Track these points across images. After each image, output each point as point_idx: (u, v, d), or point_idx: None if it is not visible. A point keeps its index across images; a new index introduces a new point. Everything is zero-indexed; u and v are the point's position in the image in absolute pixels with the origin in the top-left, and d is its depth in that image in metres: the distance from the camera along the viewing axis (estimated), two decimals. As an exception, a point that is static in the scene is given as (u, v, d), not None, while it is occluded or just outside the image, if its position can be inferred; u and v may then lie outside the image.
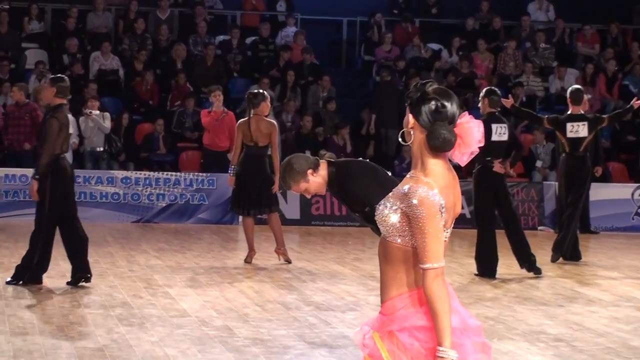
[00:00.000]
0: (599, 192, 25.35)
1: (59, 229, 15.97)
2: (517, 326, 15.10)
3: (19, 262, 16.19)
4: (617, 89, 30.43)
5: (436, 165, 6.72)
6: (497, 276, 18.45)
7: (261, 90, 20.49)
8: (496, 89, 20.23)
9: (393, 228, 6.80)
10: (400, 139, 6.78)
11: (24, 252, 16.19)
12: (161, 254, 20.42)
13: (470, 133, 6.83)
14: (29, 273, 15.88)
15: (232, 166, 19.37)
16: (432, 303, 6.76)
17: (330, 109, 28.33)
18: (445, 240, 6.77)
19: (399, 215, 6.77)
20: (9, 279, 15.99)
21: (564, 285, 18.33)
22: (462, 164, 6.96)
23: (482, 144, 6.73)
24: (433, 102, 6.76)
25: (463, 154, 6.78)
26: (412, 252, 6.64)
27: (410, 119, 6.80)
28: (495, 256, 18.60)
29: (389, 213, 6.76)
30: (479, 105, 19.33)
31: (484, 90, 19.60)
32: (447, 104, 6.71)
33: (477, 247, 18.75)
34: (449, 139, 6.66)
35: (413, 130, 6.66)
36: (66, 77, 16.44)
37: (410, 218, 6.72)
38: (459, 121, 6.78)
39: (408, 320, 6.89)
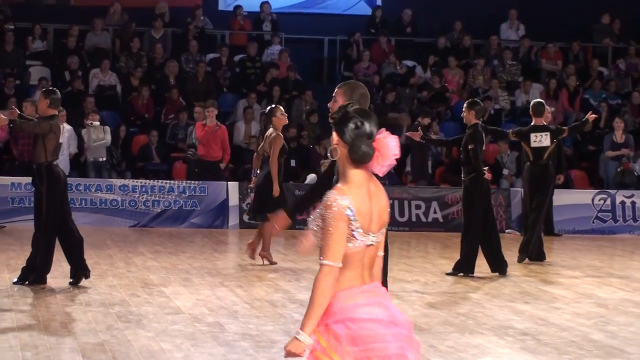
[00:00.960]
0: (561, 197, 25.50)
1: None
2: (487, 321, 15.18)
3: (24, 264, 16.18)
4: (578, 102, 30.56)
5: (356, 176, 7.09)
6: (469, 275, 18.54)
7: (272, 106, 20.35)
8: (478, 100, 20.24)
9: (319, 233, 7.14)
10: (328, 155, 7.45)
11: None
12: (156, 256, 20.47)
13: (387, 147, 7.12)
14: (33, 274, 15.87)
15: (253, 170, 19.75)
16: (315, 294, 7.14)
17: (313, 121, 28.39)
18: (372, 245, 7.16)
19: (320, 220, 7.12)
20: (15, 280, 16.02)
21: (530, 284, 18.51)
22: (381, 174, 7.14)
23: (398, 157, 7.01)
24: (353, 121, 7.12)
25: (382, 166, 7.08)
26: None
27: (334, 136, 7.17)
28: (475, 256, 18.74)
29: (312, 220, 7.08)
30: (463, 115, 19.11)
31: (467, 102, 19.36)
32: (366, 122, 7.08)
33: (482, 249, 18.77)
34: (367, 152, 7.06)
35: (338, 146, 7.00)
36: (57, 90, 16.53)
37: (322, 219, 7.06)
38: (377, 136, 7.10)
39: (342, 314, 7.21)
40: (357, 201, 7.09)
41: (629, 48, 32.96)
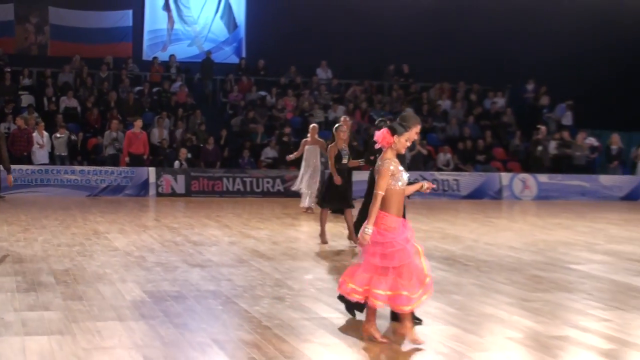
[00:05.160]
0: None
1: None
2: (306, 250, 15.19)
3: None
4: (366, 118, 30.74)
5: (392, 152, 8.40)
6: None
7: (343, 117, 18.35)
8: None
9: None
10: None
11: None
12: (103, 215, 20.32)
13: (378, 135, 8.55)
14: None
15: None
16: (373, 207, 8.29)
17: (202, 129, 28.62)
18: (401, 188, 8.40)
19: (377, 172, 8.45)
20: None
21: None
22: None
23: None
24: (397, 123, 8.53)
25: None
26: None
27: (388, 134, 8.36)
28: None
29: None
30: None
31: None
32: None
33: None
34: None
35: (395, 141, 8.31)
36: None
37: (378, 171, 8.34)
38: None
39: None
40: (395, 164, 8.39)
41: (406, 84, 33.24)
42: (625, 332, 9.63)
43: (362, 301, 8.70)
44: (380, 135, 8.51)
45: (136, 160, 26.34)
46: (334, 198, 15.69)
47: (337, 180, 15.58)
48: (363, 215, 15.00)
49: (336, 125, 16.21)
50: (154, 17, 32.41)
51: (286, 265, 13.60)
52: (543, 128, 30.54)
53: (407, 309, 8.59)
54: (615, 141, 30.10)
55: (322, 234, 16.12)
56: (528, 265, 13.63)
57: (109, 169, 26.09)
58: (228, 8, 32.89)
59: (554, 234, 18.24)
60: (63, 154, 26.72)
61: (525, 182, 28.33)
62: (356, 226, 15.65)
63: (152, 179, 26.22)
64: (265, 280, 12.19)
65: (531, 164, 29.84)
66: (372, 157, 14.60)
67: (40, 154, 26.14)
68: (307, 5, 32.06)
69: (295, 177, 24.66)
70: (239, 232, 17.83)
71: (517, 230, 18.94)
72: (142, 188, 26.10)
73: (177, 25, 32.60)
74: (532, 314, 10.37)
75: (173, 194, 26.07)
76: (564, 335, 9.41)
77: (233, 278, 12.34)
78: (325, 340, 8.83)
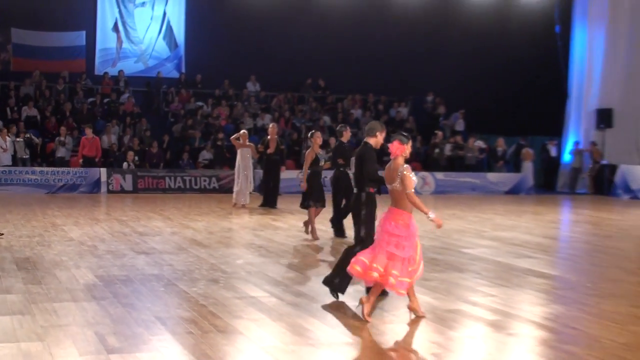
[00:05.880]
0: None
1: None
2: (238, 239, 15.13)
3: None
4: (290, 124, 30.65)
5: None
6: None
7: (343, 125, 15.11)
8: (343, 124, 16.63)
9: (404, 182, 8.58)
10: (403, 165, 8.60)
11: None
12: (60, 210, 19.96)
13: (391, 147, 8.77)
14: None
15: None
16: (415, 200, 8.62)
17: (147, 135, 28.25)
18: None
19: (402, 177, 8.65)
20: None
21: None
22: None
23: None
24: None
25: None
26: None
27: (399, 144, 8.64)
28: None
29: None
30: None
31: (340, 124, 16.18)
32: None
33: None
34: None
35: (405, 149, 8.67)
36: None
37: (403, 176, 8.57)
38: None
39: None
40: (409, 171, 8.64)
41: (323, 96, 33.07)
42: (508, 306, 9.84)
43: (380, 281, 8.77)
44: (395, 147, 8.77)
45: (89, 162, 25.97)
46: (315, 197, 15.25)
47: (303, 186, 15.26)
48: (340, 213, 15.14)
49: (310, 132, 15.92)
50: (105, 37, 31.96)
51: (220, 252, 13.58)
52: (440, 133, 31.04)
53: (402, 291, 8.81)
54: (500, 144, 30.57)
55: (313, 231, 15.39)
56: (427, 250, 13.69)
57: (66, 169, 25.56)
58: (169, 29, 32.64)
59: (448, 223, 18.30)
60: (25, 156, 26.19)
61: (425, 179, 28.56)
62: (333, 222, 15.63)
63: (104, 178, 25.68)
64: (202, 265, 12.19)
65: (430, 164, 30.08)
66: (340, 161, 14.60)
67: (4, 157, 25.68)
68: (239, 26, 31.97)
69: (228, 176, 24.75)
70: (179, 223, 17.72)
71: (417, 220, 18.99)
72: (95, 186, 25.58)
73: (125, 45, 32.22)
74: (430, 292, 10.54)
75: (122, 191, 25.82)
76: (458, 309, 9.62)
77: (174, 263, 12.31)
78: (254, 316, 8.92)
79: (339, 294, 9.75)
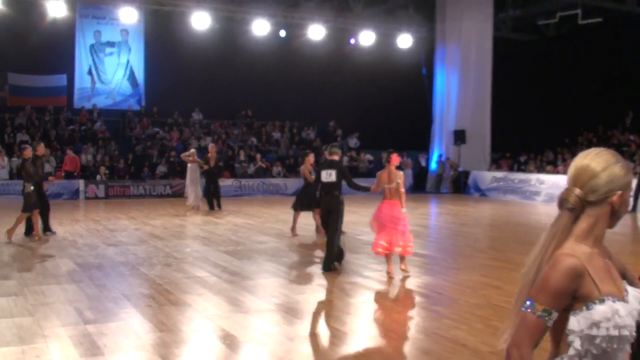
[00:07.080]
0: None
1: None
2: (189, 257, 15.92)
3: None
4: (225, 145, 29.92)
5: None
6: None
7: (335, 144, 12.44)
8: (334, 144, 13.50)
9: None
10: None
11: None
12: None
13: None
14: None
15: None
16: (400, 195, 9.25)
17: (115, 154, 27.49)
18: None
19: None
20: None
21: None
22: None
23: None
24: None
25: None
26: None
27: (396, 158, 9.29)
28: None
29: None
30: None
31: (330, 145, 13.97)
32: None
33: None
34: None
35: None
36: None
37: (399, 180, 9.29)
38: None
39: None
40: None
41: (251, 122, 32.29)
42: (392, 278, 9.83)
43: (402, 253, 9.33)
44: (394, 158, 9.52)
45: (70, 175, 25.43)
46: (304, 202, 14.38)
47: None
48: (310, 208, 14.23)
49: (304, 152, 15.78)
50: (82, 79, 31.02)
51: (173, 242, 13.33)
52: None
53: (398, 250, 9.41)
54: (385, 157, 30.74)
55: (293, 229, 14.49)
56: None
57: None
58: (132, 73, 32.05)
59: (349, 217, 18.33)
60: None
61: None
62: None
63: (82, 187, 25.14)
64: (159, 253, 12.02)
65: (332, 172, 30.00)
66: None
67: (2, 173, 24.90)
68: (186, 69, 31.21)
69: (179, 184, 24.48)
70: (141, 222, 17.34)
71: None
72: (75, 194, 24.95)
73: (98, 85, 31.42)
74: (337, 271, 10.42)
75: (96, 197, 25.29)
76: (354, 281, 9.59)
77: (137, 252, 12.11)
78: (199, 292, 8.82)
79: (337, 264, 10.11)
